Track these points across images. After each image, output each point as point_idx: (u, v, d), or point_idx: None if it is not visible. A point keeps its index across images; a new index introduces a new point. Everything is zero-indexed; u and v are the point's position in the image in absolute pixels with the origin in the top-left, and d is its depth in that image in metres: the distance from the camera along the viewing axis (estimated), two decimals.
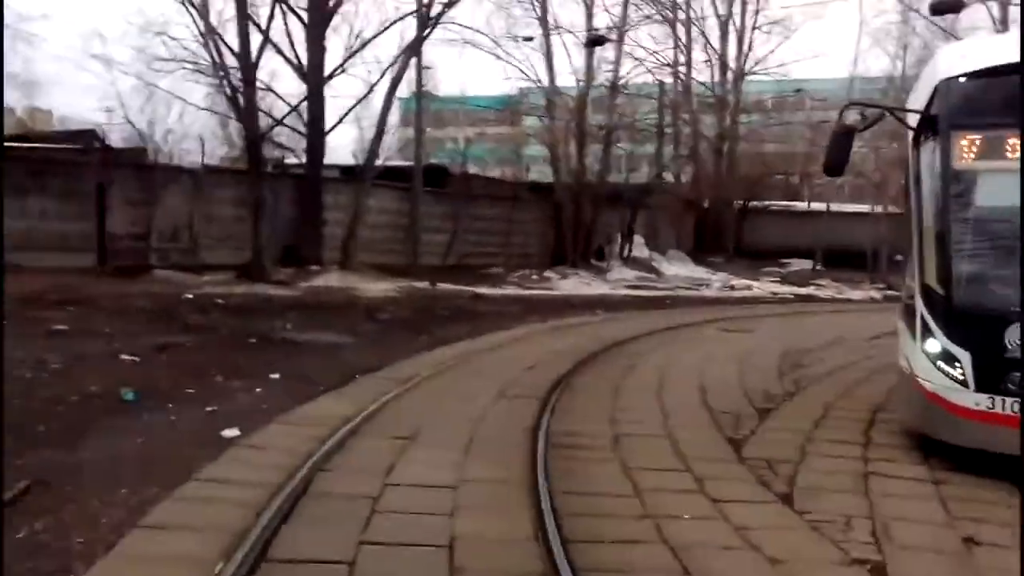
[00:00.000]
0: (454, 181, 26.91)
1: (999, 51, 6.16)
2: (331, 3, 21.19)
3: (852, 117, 6.70)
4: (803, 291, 26.73)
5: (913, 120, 6.57)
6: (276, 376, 8.66)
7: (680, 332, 14.56)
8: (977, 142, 6.08)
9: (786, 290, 26.92)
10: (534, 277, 25.16)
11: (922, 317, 6.31)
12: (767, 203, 40.50)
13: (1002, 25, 28.95)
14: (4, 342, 6.44)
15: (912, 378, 6.48)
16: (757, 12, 37.97)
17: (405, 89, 24.54)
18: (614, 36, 28.45)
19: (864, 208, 34.77)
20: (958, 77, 6.21)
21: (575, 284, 24.57)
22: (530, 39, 27.50)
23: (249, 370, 8.88)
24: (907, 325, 6.79)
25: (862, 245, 31.88)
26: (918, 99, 6.72)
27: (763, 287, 27.72)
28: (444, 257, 24.51)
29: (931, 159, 6.35)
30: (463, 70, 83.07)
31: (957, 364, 5.99)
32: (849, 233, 33.90)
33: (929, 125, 6.37)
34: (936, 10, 19.74)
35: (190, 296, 15.06)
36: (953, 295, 6.04)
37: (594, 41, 27.10)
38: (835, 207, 36.80)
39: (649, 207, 32.57)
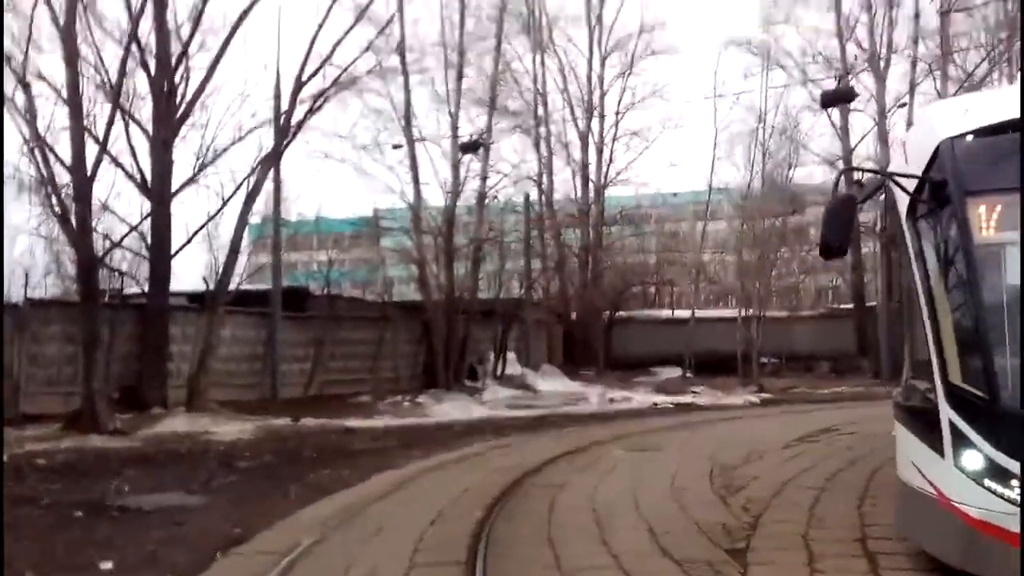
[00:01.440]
0: (316, 303, 25.00)
1: (1002, 106, 5.27)
2: (178, 114, 19.08)
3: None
4: (682, 400, 26.03)
5: (911, 187, 5.53)
6: (109, 566, 6.48)
7: (586, 456, 13.09)
8: (998, 208, 5.08)
9: (665, 400, 26.11)
10: (407, 404, 23.29)
11: (951, 424, 5.09)
12: (632, 313, 40.47)
13: (843, 132, 30.49)
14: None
15: (941, 502, 5.21)
16: (616, 124, 38.75)
17: (261, 206, 22.69)
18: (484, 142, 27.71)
19: (729, 313, 35.13)
20: (964, 135, 5.27)
21: (451, 408, 22.84)
22: (399, 146, 26.36)
23: (71, 558, 6.68)
24: (920, 435, 5.56)
25: (730, 349, 31.90)
26: (910, 164, 5.72)
27: (642, 398, 26.84)
28: (306, 388, 22.38)
29: (941, 231, 5.32)
30: (322, 187, 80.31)
31: (1013, 481, 4.77)
32: (715, 338, 34.05)
33: (933, 192, 5.36)
34: (827, 102, 20.08)
35: (4, 458, 12.34)
36: (1000, 393, 4.84)
37: (468, 147, 26.20)
38: (700, 313, 37.04)
39: (523, 321, 31.59)
